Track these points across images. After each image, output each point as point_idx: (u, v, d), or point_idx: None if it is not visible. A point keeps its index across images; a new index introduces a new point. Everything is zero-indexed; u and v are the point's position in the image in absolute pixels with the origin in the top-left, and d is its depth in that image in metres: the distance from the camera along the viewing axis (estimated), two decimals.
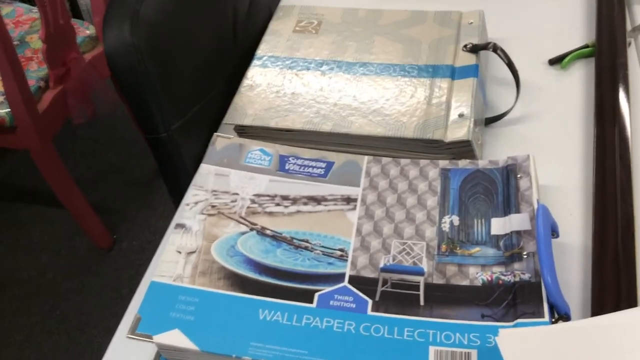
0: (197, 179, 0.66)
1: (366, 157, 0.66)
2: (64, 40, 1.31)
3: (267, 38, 0.83)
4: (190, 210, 0.62)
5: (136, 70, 0.66)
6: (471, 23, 0.79)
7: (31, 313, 1.44)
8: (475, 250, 0.56)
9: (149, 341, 0.52)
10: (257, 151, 0.68)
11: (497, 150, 0.69)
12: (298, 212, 0.61)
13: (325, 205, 0.62)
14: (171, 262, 0.58)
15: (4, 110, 1.27)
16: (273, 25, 0.85)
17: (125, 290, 1.48)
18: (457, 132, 0.65)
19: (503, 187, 0.60)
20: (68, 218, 1.59)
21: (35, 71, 1.34)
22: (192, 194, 0.64)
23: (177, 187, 0.74)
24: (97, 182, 1.71)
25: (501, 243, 0.56)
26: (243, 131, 0.72)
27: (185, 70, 0.73)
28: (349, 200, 0.62)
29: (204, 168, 0.66)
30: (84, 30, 1.44)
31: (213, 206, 0.62)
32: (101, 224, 1.55)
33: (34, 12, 1.50)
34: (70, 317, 1.44)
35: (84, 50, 1.42)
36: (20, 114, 1.27)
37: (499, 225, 0.57)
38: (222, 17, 0.81)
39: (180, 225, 0.61)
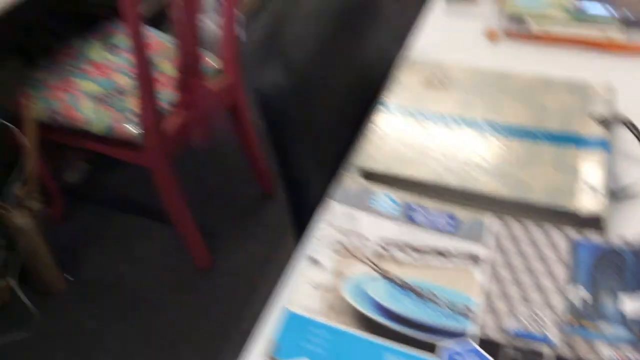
0: (326, 215, 0.70)
1: (491, 216, 0.68)
2: (193, 70, 1.42)
3: (394, 88, 0.87)
4: (321, 245, 0.66)
5: (283, 110, 0.71)
6: (602, 95, 0.80)
7: (129, 323, 1.53)
8: (605, 327, 0.56)
9: None
10: (386, 197, 0.71)
11: (622, 225, 0.69)
12: (425, 263, 0.64)
13: (451, 260, 0.64)
14: (304, 295, 0.62)
15: (135, 129, 1.38)
16: (401, 76, 0.89)
17: (220, 311, 1.55)
18: (589, 205, 0.66)
19: (636, 267, 0.60)
20: (172, 235, 1.69)
21: (164, 95, 1.45)
22: (322, 229, 0.68)
23: (302, 219, 0.79)
24: (202, 205, 1.80)
25: (632, 323, 0.56)
26: (370, 175, 0.76)
27: (322, 113, 0.79)
28: (474, 258, 0.64)
29: (333, 206, 0.70)
30: (210, 62, 1.55)
31: (342, 245, 0.66)
32: (203, 244, 1.63)
33: (164, 39, 1.63)
34: (165, 331, 1.51)
35: (209, 80, 1.52)
36: (149, 134, 1.37)
37: (631, 305, 0.57)
38: (353, 64, 0.87)
39: (312, 260, 0.65)
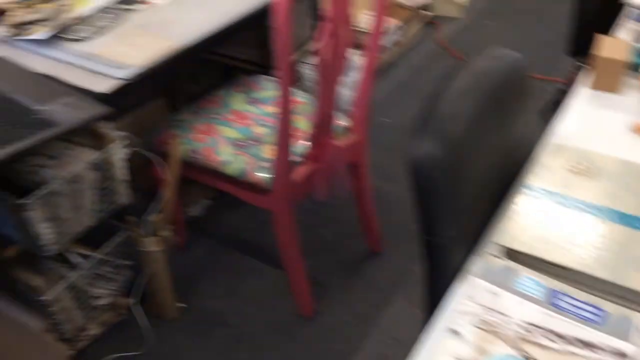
0: (467, 289, 0.72)
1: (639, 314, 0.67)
2: (325, 127, 1.50)
3: (538, 170, 0.89)
4: (462, 318, 0.68)
5: (434, 180, 0.75)
6: None
7: (230, 357, 1.59)
8: None
9: None
10: (529, 279, 0.72)
11: None
12: (569, 352, 0.64)
13: (597, 353, 0.64)
14: None
15: (265, 175, 1.47)
16: (544, 160, 0.91)
17: None
18: None
19: None
20: (280, 278, 1.75)
21: (296, 147, 1.53)
22: (463, 304, 0.70)
23: (436, 288, 0.81)
24: (308, 253, 1.86)
25: None
26: (513, 254, 0.78)
27: (467, 187, 0.82)
28: (622, 354, 0.63)
29: (475, 281, 0.72)
30: (340, 120, 1.63)
31: (484, 321, 0.68)
32: (309, 292, 1.67)
33: (299, 96, 1.73)
34: None
35: (337, 137, 1.60)
36: (278, 180, 1.45)
37: None
38: (500, 142, 0.89)
39: (452, 331, 0.67)
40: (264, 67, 1.92)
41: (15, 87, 1.23)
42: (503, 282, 0.72)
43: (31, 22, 1.39)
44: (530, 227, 0.79)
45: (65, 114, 1.15)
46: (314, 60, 2.14)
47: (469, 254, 0.81)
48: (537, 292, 0.70)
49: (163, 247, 1.53)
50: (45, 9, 1.40)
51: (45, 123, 1.13)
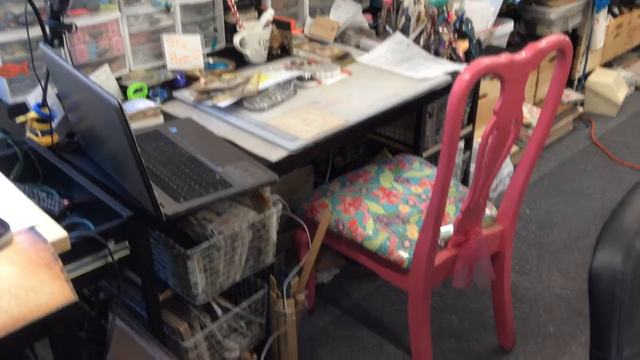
0: None
1: None
2: (474, 215, 1.50)
3: None
4: None
5: (614, 294, 0.73)
6: None
7: None
8: None
9: None
10: None
11: None
12: None
13: None
14: None
15: (406, 255, 1.49)
16: None
17: None
18: None
19: None
20: (399, 358, 1.72)
21: (441, 230, 1.54)
22: None
23: None
24: (436, 339, 1.82)
25: None
26: None
27: None
28: None
29: None
30: (488, 209, 1.62)
31: None
32: None
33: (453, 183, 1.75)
34: None
35: (483, 226, 1.58)
36: (419, 262, 1.46)
37: None
38: None
39: None
40: (413, 147, 1.97)
41: (198, 147, 1.37)
42: None
43: (217, 90, 1.54)
44: None
45: (240, 177, 1.26)
46: (465, 144, 2.16)
47: None
48: None
49: (296, 310, 1.57)
50: (231, 80, 1.56)
51: (222, 184, 1.23)
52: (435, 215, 1.38)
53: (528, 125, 2.57)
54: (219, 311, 1.50)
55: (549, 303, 1.97)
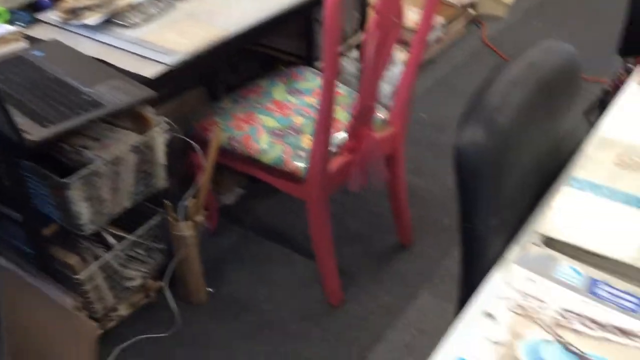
0: (506, 276, 0.71)
1: None
2: (365, 118, 1.50)
3: (583, 163, 0.87)
4: (499, 303, 0.67)
5: (479, 168, 0.75)
6: None
7: (258, 342, 1.60)
8: None
9: None
10: (568, 268, 0.71)
11: None
12: (605, 339, 0.63)
13: (634, 341, 0.62)
14: (478, 347, 0.63)
15: (302, 164, 1.48)
16: (591, 153, 0.89)
17: (342, 350, 1.57)
18: None
19: None
20: (309, 267, 1.76)
21: (333, 138, 1.54)
22: (501, 289, 0.69)
23: (472, 274, 0.81)
24: (337, 244, 1.85)
25: None
26: (552, 243, 0.77)
27: (510, 177, 0.81)
28: None
29: (514, 268, 0.72)
30: (379, 112, 1.63)
31: (520, 306, 0.67)
32: (338, 281, 1.68)
33: (341, 89, 1.74)
34: (291, 357, 1.56)
35: (375, 129, 1.59)
36: (314, 170, 1.46)
37: None
38: (547, 133, 0.88)
39: (488, 315, 0.66)
40: (305, 58, 1.93)
41: (66, 69, 1.27)
42: (541, 269, 0.71)
43: (84, 8, 1.42)
44: (572, 217, 0.78)
45: (113, 96, 1.18)
46: (360, 52, 2.14)
47: (508, 243, 0.80)
48: (575, 280, 0.70)
49: (195, 232, 1.55)
50: None
51: (93, 104, 1.15)
52: (325, 122, 1.37)
53: (411, 29, 2.57)
54: (112, 240, 1.45)
55: (444, 199, 2.04)
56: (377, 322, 1.65)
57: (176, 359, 1.56)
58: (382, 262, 1.83)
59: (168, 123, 1.38)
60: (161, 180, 1.42)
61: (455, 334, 0.70)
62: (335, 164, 1.51)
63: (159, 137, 1.35)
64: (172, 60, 1.30)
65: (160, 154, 1.37)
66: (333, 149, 1.51)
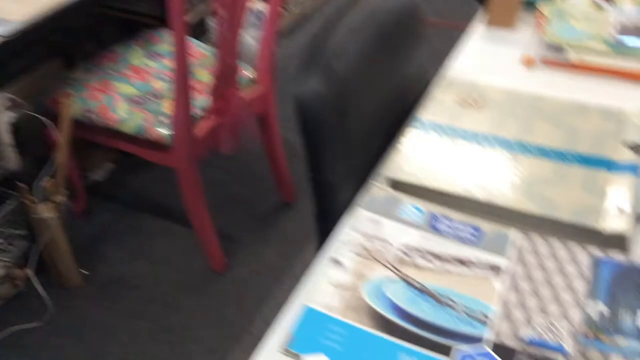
0: (352, 221, 0.71)
1: (516, 231, 0.68)
2: (229, 78, 1.45)
3: (429, 104, 0.89)
4: (344, 248, 0.67)
5: (320, 118, 0.73)
6: (634, 122, 0.80)
7: (141, 318, 1.54)
8: (622, 341, 0.56)
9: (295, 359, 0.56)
10: (411, 206, 0.72)
11: None
12: (445, 270, 0.65)
13: (472, 269, 0.64)
14: (324, 293, 0.62)
15: (165, 131, 1.41)
16: (436, 94, 0.91)
17: (229, 314, 1.55)
18: (615, 225, 0.66)
19: None
20: (190, 237, 1.71)
21: (198, 101, 1.48)
22: (347, 234, 0.69)
23: (326, 223, 0.80)
24: (220, 209, 1.82)
25: None
26: (397, 185, 0.77)
27: (356, 123, 0.80)
28: (495, 268, 0.64)
29: (360, 212, 0.72)
30: (245, 72, 1.58)
31: (365, 249, 0.67)
32: (219, 247, 1.64)
33: (203, 49, 1.67)
34: (176, 329, 1.52)
35: (242, 89, 1.55)
36: (179, 136, 1.40)
37: None
38: (394, 79, 0.88)
39: (334, 260, 0.66)
40: (164, 20, 1.83)
41: None
42: (386, 211, 0.71)
43: None
44: (415, 158, 0.79)
45: None
46: (215, 8, 2.06)
47: (360, 190, 0.80)
48: (417, 218, 0.70)
49: (57, 213, 1.45)
50: None
51: None
52: (182, 85, 1.31)
53: None
54: None
55: None
56: (264, 283, 1.64)
57: (54, 347, 1.47)
58: (266, 223, 1.81)
59: (12, 100, 1.27)
60: (11, 161, 1.30)
61: (304, 283, 0.69)
62: (202, 128, 1.46)
63: (2, 116, 1.24)
64: (5, 30, 1.18)
65: (4, 134, 1.26)
66: (198, 112, 1.45)
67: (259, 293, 1.61)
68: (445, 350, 0.57)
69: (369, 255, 0.66)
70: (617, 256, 0.64)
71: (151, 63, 1.61)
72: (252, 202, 1.88)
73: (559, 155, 0.77)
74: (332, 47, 0.77)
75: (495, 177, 0.74)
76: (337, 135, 0.75)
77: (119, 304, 1.58)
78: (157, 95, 1.50)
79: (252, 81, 1.60)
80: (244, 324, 1.53)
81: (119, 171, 1.96)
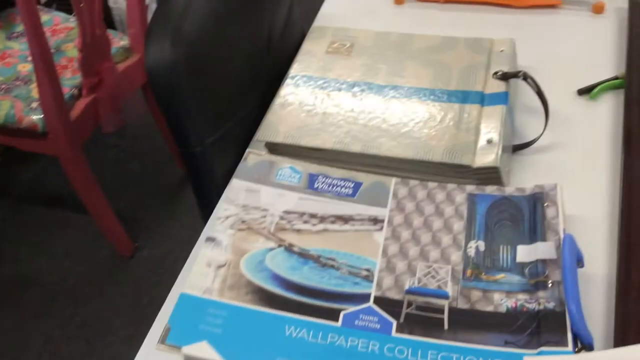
0: (228, 193, 0.67)
1: (394, 179, 0.67)
2: (99, 50, 1.35)
3: (300, 58, 0.85)
4: (221, 224, 0.64)
5: (174, 86, 0.68)
6: (502, 51, 0.80)
7: (51, 317, 1.47)
8: (500, 276, 0.56)
9: (177, 352, 0.53)
10: (287, 169, 0.69)
11: (524, 178, 0.70)
12: (325, 230, 0.63)
13: (353, 225, 0.63)
14: (201, 275, 0.59)
15: (37, 117, 1.31)
16: (306, 46, 0.87)
17: (144, 298, 1.50)
18: (485, 158, 0.66)
19: (530, 215, 0.60)
20: (91, 225, 1.62)
21: (69, 79, 1.37)
22: (223, 209, 0.65)
23: (207, 201, 0.76)
24: (121, 191, 1.74)
25: (526, 271, 0.56)
26: (274, 148, 0.74)
27: (220, 88, 0.75)
28: (375, 221, 0.63)
29: (235, 183, 0.68)
30: (118, 41, 1.48)
31: (243, 221, 0.64)
32: (123, 231, 1.57)
33: (71, 22, 1.54)
34: (90, 323, 1.46)
35: (117, 60, 1.45)
36: (52, 120, 1.30)
37: (525, 253, 0.57)
38: (258, 36, 0.83)
39: (210, 239, 0.63)
40: None
41: None
42: (263, 177, 0.68)
43: None
44: (290, 117, 0.75)
45: None
46: None
47: (238, 157, 0.76)
48: (295, 180, 0.68)
49: None
50: None
51: None
52: (43, 64, 1.20)
53: None
54: None
55: None
56: (175, 258, 1.59)
57: None
58: (170, 198, 1.75)
59: None
60: None
61: (184, 268, 0.66)
62: (78, 108, 1.36)
63: None
64: None
65: None
66: (71, 92, 1.35)
67: (171, 270, 1.56)
68: (334, 314, 0.55)
69: (248, 227, 0.63)
70: (492, 191, 0.64)
71: (14, 44, 1.47)
72: (152, 177, 1.80)
73: (432, 95, 0.75)
74: (176, 6, 0.70)
75: (369, 125, 0.72)
76: (197, 102, 0.70)
77: (25, 306, 1.49)
78: (24, 80, 1.38)
79: (127, 50, 1.50)
80: (159, 307, 1.49)
81: (5, 164, 1.83)
